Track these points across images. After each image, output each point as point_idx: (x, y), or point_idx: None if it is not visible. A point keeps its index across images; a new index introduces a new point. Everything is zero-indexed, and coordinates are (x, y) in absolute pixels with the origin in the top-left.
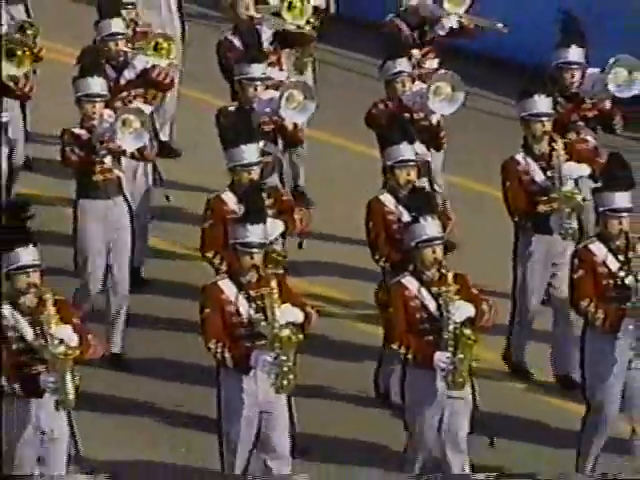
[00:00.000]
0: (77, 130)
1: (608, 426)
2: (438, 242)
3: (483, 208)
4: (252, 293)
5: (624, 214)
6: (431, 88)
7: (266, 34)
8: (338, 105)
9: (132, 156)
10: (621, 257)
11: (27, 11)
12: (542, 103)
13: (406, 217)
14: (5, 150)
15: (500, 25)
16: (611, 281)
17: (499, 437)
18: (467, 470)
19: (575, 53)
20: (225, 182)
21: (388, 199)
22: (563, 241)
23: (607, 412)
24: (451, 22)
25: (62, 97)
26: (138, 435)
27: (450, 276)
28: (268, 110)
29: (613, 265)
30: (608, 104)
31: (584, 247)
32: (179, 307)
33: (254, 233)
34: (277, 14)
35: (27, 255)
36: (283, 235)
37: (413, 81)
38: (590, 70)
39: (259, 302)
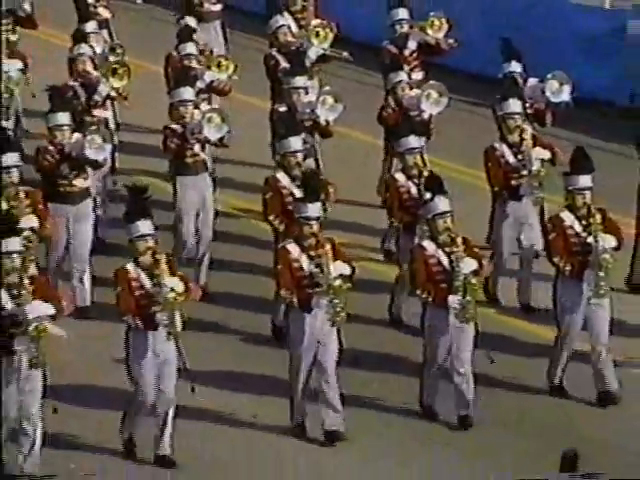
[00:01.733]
0: (174, 125)
1: (572, 343)
2: (448, 215)
3: (462, 183)
4: (312, 253)
5: (586, 192)
6: (424, 93)
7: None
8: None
9: (214, 144)
10: (584, 222)
11: (110, 34)
12: (515, 105)
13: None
14: (109, 147)
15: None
16: (576, 240)
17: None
18: (470, 377)
19: (516, 66)
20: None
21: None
22: (527, 206)
23: (572, 334)
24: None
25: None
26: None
27: (459, 239)
28: (307, 110)
29: (578, 228)
30: (542, 106)
31: (556, 215)
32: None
33: (312, 209)
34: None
35: (146, 226)
36: (323, 203)
37: (410, 88)
38: (531, 80)
39: (317, 260)
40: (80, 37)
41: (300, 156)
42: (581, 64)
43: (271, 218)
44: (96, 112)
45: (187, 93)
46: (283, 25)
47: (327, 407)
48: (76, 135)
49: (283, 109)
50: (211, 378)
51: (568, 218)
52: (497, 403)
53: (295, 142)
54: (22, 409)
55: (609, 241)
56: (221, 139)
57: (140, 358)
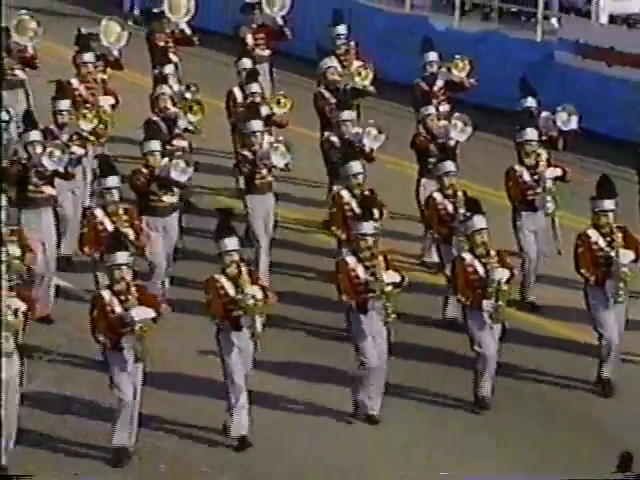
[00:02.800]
0: (245, 152)
1: (611, 343)
2: (484, 231)
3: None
4: (367, 264)
5: (609, 213)
6: (451, 124)
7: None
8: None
9: (281, 169)
10: (607, 239)
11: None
12: (532, 134)
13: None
14: (191, 170)
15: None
16: (601, 254)
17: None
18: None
19: (532, 101)
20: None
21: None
22: (540, 217)
23: (607, 334)
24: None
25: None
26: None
27: (493, 252)
28: (355, 139)
29: (602, 244)
30: (555, 134)
31: (584, 233)
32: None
33: (367, 227)
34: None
35: (231, 243)
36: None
37: (439, 119)
38: (544, 112)
39: (372, 270)
40: (161, 79)
41: (360, 178)
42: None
43: (334, 228)
44: (175, 142)
45: (257, 125)
46: (331, 66)
47: (377, 394)
48: (165, 160)
49: (334, 139)
50: (280, 367)
51: (594, 235)
52: (540, 394)
53: (356, 166)
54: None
55: (629, 256)
56: (286, 164)
57: (228, 353)
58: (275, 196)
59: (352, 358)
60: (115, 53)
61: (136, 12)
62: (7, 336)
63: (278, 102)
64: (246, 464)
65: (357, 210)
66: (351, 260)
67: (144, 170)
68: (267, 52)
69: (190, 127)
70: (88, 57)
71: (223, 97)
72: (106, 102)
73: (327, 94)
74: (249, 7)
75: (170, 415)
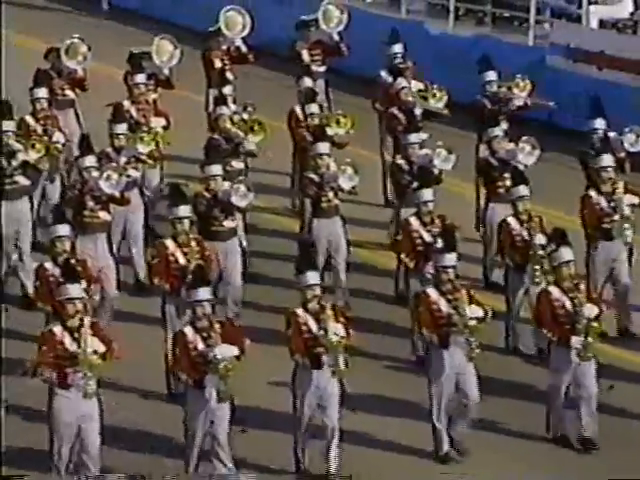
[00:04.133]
0: (312, 175)
1: None
2: (572, 263)
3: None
4: (449, 297)
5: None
6: (518, 147)
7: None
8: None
9: (349, 192)
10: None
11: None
12: (608, 160)
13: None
14: (252, 195)
15: (551, 103)
16: None
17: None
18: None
19: (601, 123)
20: None
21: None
22: (617, 246)
23: None
24: (519, 102)
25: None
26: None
27: (582, 286)
28: (423, 162)
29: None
30: (623, 155)
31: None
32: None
33: (450, 259)
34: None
35: (313, 277)
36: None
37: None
38: (612, 134)
39: (454, 303)
40: (221, 99)
41: (431, 206)
42: None
43: (403, 256)
44: (233, 163)
45: (323, 147)
46: (405, 87)
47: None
48: (226, 183)
49: (401, 162)
50: (361, 401)
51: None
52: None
53: (427, 194)
54: (212, 437)
55: None
56: (353, 187)
57: (304, 392)
58: (342, 219)
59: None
60: (166, 72)
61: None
62: (90, 377)
63: (338, 122)
64: None
65: (426, 238)
66: (433, 293)
67: (206, 194)
68: (323, 68)
69: (252, 148)
70: (140, 78)
71: (274, 115)
72: (158, 123)
73: (400, 115)
74: (304, 24)
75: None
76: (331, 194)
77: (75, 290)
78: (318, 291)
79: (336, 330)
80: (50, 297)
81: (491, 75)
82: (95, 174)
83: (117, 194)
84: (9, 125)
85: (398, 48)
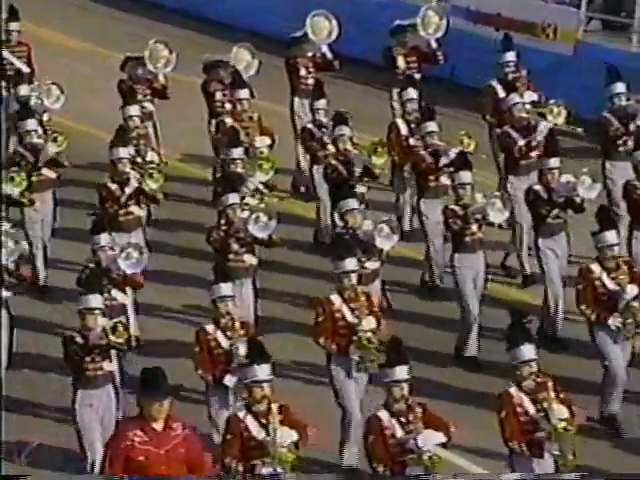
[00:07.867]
0: (455, 207)
1: None
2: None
3: None
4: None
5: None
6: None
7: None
8: None
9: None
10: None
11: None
12: None
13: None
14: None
15: None
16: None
17: None
18: None
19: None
20: None
21: None
22: None
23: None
24: None
25: None
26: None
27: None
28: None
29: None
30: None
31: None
32: None
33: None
34: (543, 115)
35: (529, 352)
36: None
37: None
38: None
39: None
40: (340, 118)
41: (616, 250)
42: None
43: (583, 308)
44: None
45: (466, 177)
46: (518, 102)
47: None
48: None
49: (538, 188)
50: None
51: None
52: None
53: (611, 236)
54: None
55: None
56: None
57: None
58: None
59: None
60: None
61: None
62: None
63: (461, 142)
64: None
65: (609, 285)
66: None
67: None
68: (418, 76)
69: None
70: (244, 94)
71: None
72: (263, 143)
73: (514, 134)
74: (401, 29)
75: None
76: (475, 227)
77: (263, 372)
78: (535, 367)
79: (562, 415)
80: (211, 365)
81: (619, 87)
82: (242, 214)
83: (266, 237)
84: (124, 152)
85: (511, 56)
